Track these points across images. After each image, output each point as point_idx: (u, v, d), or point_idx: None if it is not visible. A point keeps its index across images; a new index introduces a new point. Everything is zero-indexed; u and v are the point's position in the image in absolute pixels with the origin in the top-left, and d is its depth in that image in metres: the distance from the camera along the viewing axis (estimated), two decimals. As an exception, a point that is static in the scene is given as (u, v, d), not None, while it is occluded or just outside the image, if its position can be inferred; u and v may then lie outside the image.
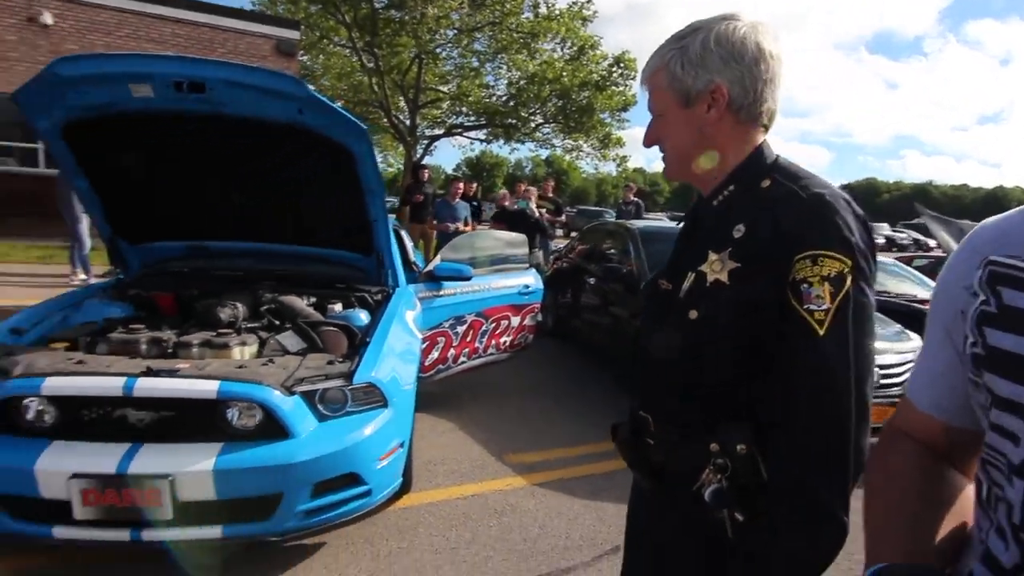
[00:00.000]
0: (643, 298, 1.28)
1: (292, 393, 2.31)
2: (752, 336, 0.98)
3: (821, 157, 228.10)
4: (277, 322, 3.02)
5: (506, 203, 8.79)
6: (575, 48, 17.35)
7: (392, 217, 4.81)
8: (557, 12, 16.96)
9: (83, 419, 2.18)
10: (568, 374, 5.56)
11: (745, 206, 1.02)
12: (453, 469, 3.41)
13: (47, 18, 11.24)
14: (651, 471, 1.14)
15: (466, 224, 8.19)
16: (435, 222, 8.52)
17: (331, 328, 2.86)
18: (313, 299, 3.32)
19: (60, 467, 2.02)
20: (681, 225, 1.27)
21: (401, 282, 3.76)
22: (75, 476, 2.01)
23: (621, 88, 17.13)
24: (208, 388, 2.17)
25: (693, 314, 1.03)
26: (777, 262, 0.95)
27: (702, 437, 1.02)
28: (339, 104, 2.74)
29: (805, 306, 0.92)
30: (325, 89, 25.04)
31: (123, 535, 2.09)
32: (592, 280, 5.81)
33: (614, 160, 19.13)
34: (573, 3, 17.74)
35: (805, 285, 0.92)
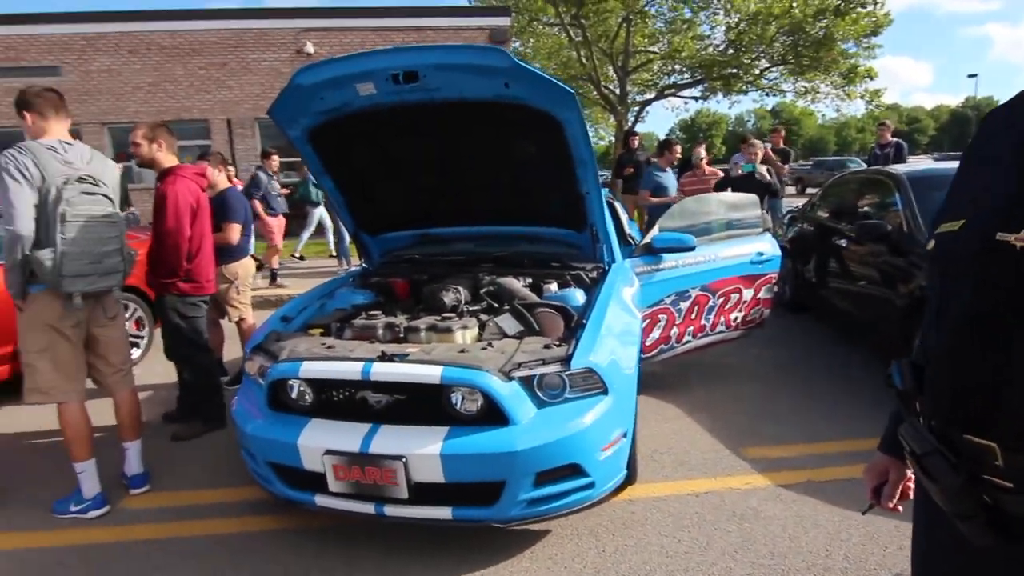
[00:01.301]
0: (949, 264, 0.86)
1: (510, 378, 2.25)
2: None
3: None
4: (496, 304, 3.03)
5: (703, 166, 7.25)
6: (805, -27, 14.92)
7: (605, 189, 4.59)
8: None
9: (333, 399, 2.39)
10: (814, 355, 4.79)
11: None
12: (682, 460, 3.11)
13: (309, 47, 13.31)
14: (999, 527, 0.78)
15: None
16: (648, 193, 7.04)
17: (547, 310, 2.76)
18: (529, 280, 3.27)
19: (316, 443, 2.23)
20: (991, 150, 0.86)
21: (617, 257, 3.53)
22: (328, 452, 2.21)
23: (869, 7, 14.22)
24: (432, 373, 2.21)
25: None
26: None
27: None
28: (547, 72, 2.57)
29: None
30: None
31: (369, 508, 2.25)
32: (844, 242, 4.88)
33: (862, 97, 16.07)
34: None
35: None
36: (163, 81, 13.13)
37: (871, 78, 15.47)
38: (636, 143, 9.54)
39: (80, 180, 2.55)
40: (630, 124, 19.28)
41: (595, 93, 19.66)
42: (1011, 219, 0.75)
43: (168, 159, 3.34)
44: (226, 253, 3.95)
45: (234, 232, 3.93)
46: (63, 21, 12.84)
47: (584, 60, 18.48)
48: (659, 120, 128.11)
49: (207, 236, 3.45)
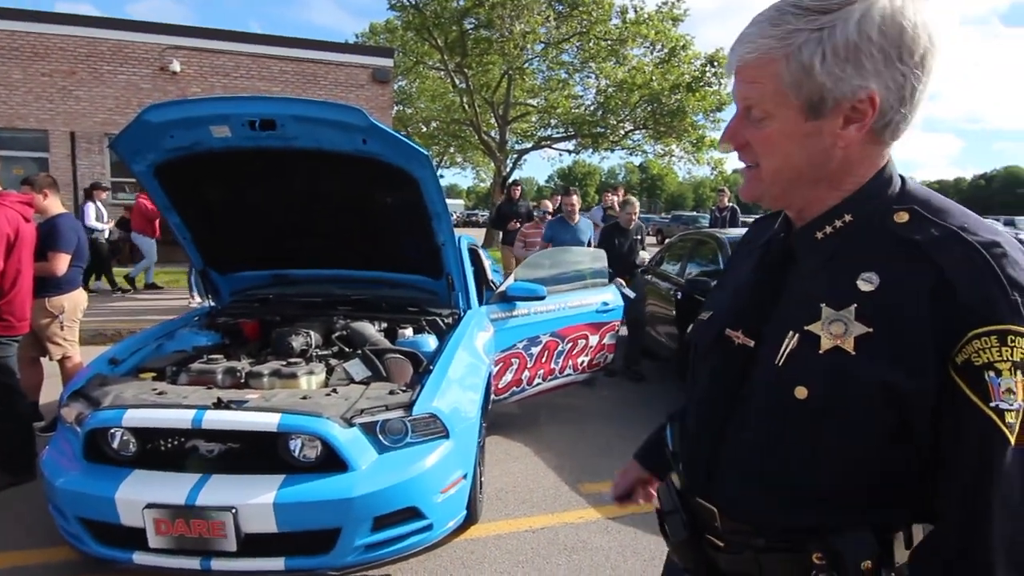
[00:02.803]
0: (696, 347, 0.98)
1: (351, 425, 2.30)
2: (893, 429, 0.72)
3: (951, 145, 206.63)
4: (347, 349, 3.06)
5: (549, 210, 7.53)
6: (666, 50, 16.82)
7: (471, 237, 4.80)
8: (646, 16, 16.55)
9: (160, 449, 2.29)
10: (654, 396, 5.27)
11: (871, 247, 0.76)
12: (525, 499, 3.29)
13: (175, 66, 12.54)
14: None
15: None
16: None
17: (397, 356, 2.85)
18: (384, 325, 3.34)
19: (137, 496, 2.12)
20: (749, 252, 0.98)
21: (473, 304, 3.72)
22: (149, 506, 2.10)
23: (715, 88, 16.34)
24: (269, 421, 2.20)
25: (801, 392, 0.76)
26: (940, 334, 0.69)
27: (800, 544, 0.79)
28: (403, 134, 2.74)
29: (992, 403, 0.67)
30: (420, 111, 26.17)
31: (194, 563, 2.16)
32: (679, 296, 5.48)
33: (708, 163, 18.26)
34: (663, 4, 17.29)
35: (991, 373, 0.67)
36: (-7, 84, 11.68)
37: (715, 148, 17.76)
38: (518, 193, 9.34)
39: None
40: (508, 169, 20.14)
41: (476, 138, 20.36)
42: (737, 318, 0.88)
43: (-16, 184, 3.05)
44: (51, 285, 3.62)
45: (61, 262, 3.62)
46: None
47: (467, 106, 19.15)
48: (536, 167, 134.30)
49: (24, 271, 3.15)
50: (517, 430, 4.20)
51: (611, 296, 4.68)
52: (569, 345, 4.35)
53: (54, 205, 3.77)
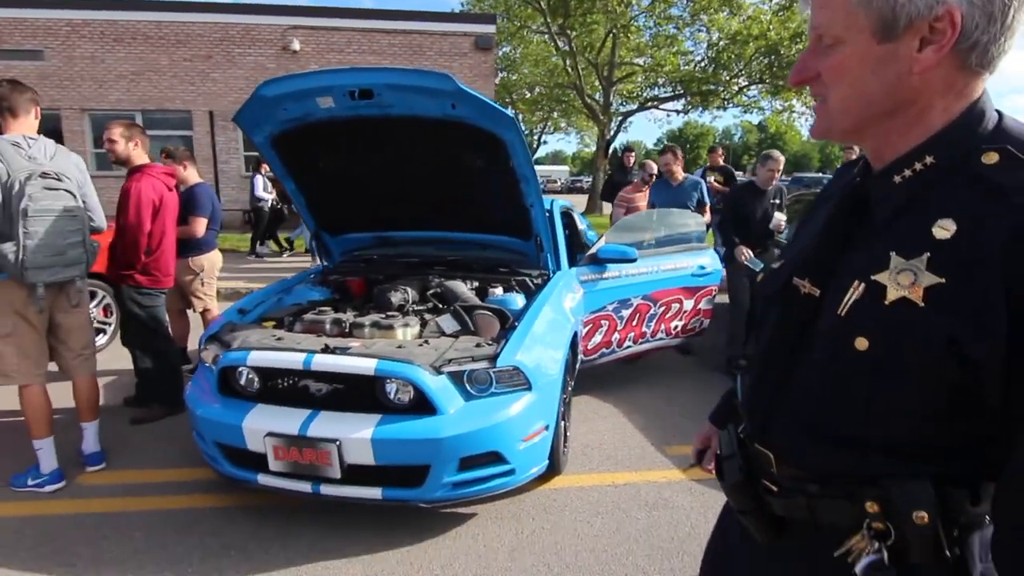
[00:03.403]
0: (764, 296, 0.98)
1: (440, 373, 2.48)
2: (958, 386, 0.68)
3: None
4: (441, 305, 3.26)
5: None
6: (786, -4, 15.45)
7: (566, 201, 4.83)
8: (764, -41, 15.25)
9: (279, 386, 2.61)
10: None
11: (953, 191, 0.71)
12: (610, 455, 3.36)
13: (296, 45, 13.44)
14: (770, 525, 0.90)
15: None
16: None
17: (485, 312, 2.99)
18: (476, 283, 3.50)
19: (260, 426, 2.44)
20: (828, 199, 0.94)
21: (563, 266, 3.78)
22: (269, 434, 2.42)
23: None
24: (368, 366, 2.43)
25: (862, 343, 0.73)
26: (1012, 287, 0.64)
27: (854, 492, 0.77)
28: (490, 98, 2.82)
29: None
30: (523, 76, 26.06)
31: (306, 487, 2.46)
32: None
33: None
34: (784, -55, 15.85)
35: None
36: (146, 70, 13.16)
37: None
38: (631, 160, 8.62)
39: (43, 175, 2.71)
40: (612, 133, 19.66)
41: (579, 102, 20.00)
42: (805, 266, 0.85)
43: (140, 157, 3.52)
44: (192, 246, 4.14)
45: (199, 225, 4.12)
46: (49, 6, 12.82)
47: (570, 69, 18.83)
48: (643, 130, 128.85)
49: (168, 233, 3.63)
50: (607, 391, 4.25)
51: (708, 260, 4.54)
52: (662, 309, 4.30)
53: (192, 175, 4.28)
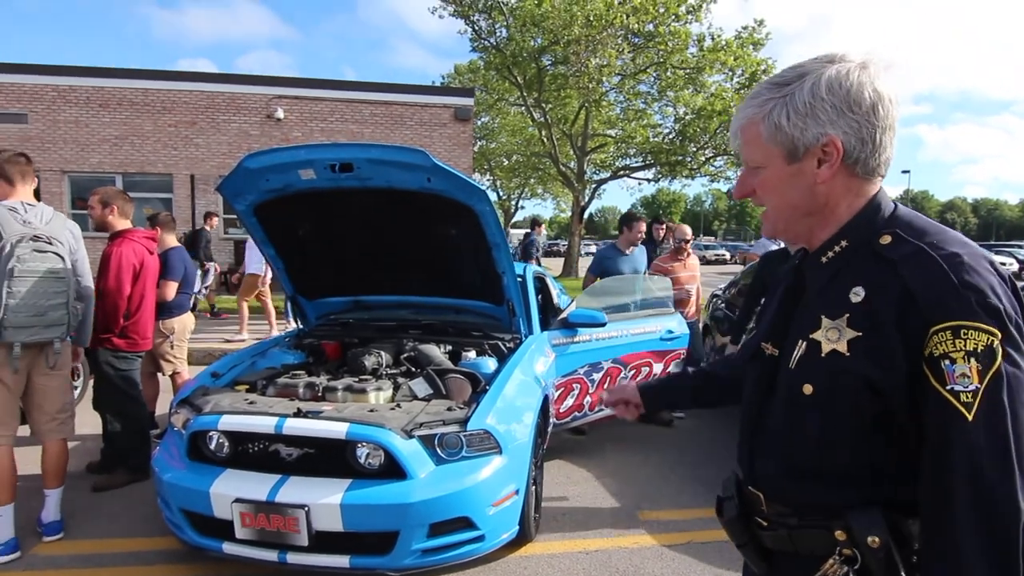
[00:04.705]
0: (744, 358, 1.19)
1: (411, 436, 2.51)
2: (881, 415, 0.88)
3: None
4: (414, 369, 3.32)
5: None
6: (747, 75, 16.54)
7: (537, 266, 4.98)
8: (724, 42, 16.40)
9: (249, 451, 2.61)
10: (723, 423, 5.16)
11: (862, 266, 0.92)
12: (582, 522, 3.36)
13: (280, 113, 13.84)
14: (763, 555, 1.07)
15: None
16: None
17: (457, 375, 3.06)
18: (449, 347, 3.58)
19: (228, 492, 2.43)
20: (781, 281, 1.16)
21: (535, 330, 3.88)
22: (237, 500, 2.40)
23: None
24: (339, 430, 2.46)
25: (808, 389, 0.94)
26: (908, 333, 0.84)
27: (825, 522, 0.94)
28: (461, 171, 3.00)
29: (948, 387, 0.81)
30: (501, 145, 27.03)
31: (273, 556, 2.43)
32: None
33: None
34: (743, 29, 17.10)
35: (946, 362, 0.81)
36: (130, 135, 13.37)
37: None
38: (662, 234, 7.06)
39: (34, 239, 2.79)
40: (586, 200, 20.32)
41: (555, 170, 20.75)
42: (768, 333, 1.07)
43: (120, 223, 3.61)
44: (163, 309, 4.16)
45: (169, 289, 4.17)
46: (35, 72, 13.11)
47: (545, 139, 19.63)
48: (616, 197, 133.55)
49: (148, 296, 3.67)
50: (580, 455, 4.28)
51: (675, 324, 4.69)
52: (632, 372, 4.40)
53: (169, 239, 4.36)
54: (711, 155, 18.00)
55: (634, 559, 2.97)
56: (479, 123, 24.21)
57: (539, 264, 9.30)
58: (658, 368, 4.54)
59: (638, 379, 4.41)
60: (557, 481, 3.84)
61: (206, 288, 9.12)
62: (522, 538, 2.93)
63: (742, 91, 16.72)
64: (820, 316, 0.93)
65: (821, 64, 0.93)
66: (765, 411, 1.03)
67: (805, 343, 0.95)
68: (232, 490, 2.43)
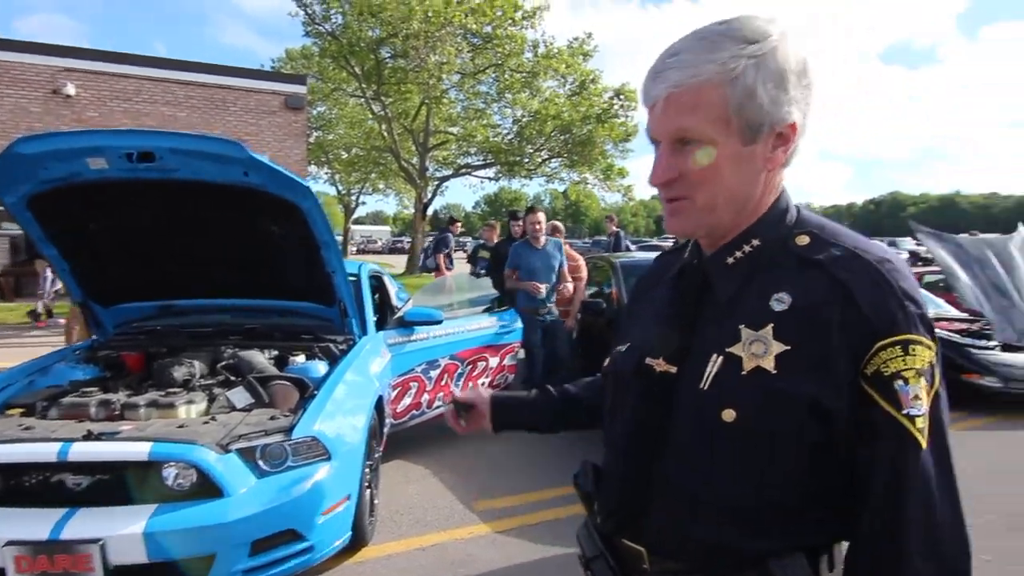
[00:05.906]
0: (616, 379, 0.95)
1: (228, 451, 2.34)
2: (817, 442, 0.74)
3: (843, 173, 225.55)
4: (233, 378, 3.08)
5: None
6: (576, 83, 17.72)
7: (373, 265, 4.90)
8: (556, 50, 17.39)
9: (24, 485, 2.24)
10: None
11: (779, 269, 0.79)
12: (419, 519, 3.38)
13: (70, 89, 11.94)
14: None
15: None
16: (516, 276, 5.19)
17: (282, 382, 2.91)
18: (275, 352, 3.38)
19: (-4, 535, 2.07)
20: (656, 284, 0.98)
21: (370, 330, 3.81)
22: (9, 543, 2.06)
23: (622, 119, 17.39)
24: (140, 450, 2.22)
25: (729, 415, 0.76)
26: (849, 347, 0.72)
27: (733, 571, 0.79)
28: (289, 164, 2.84)
29: (904, 411, 0.71)
30: (340, 137, 25.95)
31: (57, 601, 2.12)
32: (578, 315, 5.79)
33: (619, 191, 19.28)
34: (574, 40, 18.28)
35: (900, 382, 0.71)
36: None
37: (623, 176, 18.96)
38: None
39: None
40: (429, 197, 20.34)
41: (396, 165, 20.46)
42: (656, 347, 0.87)
43: None
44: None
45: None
46: None
47: (386, 133, 19.27)
48: (459, 194, 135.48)
49: None
50: (417, 453, 4.29)
51: (509, 319, 4.90)
52: (469, 367, 4.52)
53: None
54: (547, 157, 19.03)
55: (469, 548, 3.06)
56: (314, 112, 22.95)
57: (451, 262, 8.95)
58: (494, 362, 4.71)
59: (475, 374, 4.56)
60: (395, 481, 3.82)
61: None
62: (357, 543, 2.87)
63: (572, 97, 17.91)
64: (739, 327, 0.78)
65: (765, 23, 0.76)
66: (659, 445, 0.83)
67: (721, 358, 0.78)
68: (2, 532, 2.08)
